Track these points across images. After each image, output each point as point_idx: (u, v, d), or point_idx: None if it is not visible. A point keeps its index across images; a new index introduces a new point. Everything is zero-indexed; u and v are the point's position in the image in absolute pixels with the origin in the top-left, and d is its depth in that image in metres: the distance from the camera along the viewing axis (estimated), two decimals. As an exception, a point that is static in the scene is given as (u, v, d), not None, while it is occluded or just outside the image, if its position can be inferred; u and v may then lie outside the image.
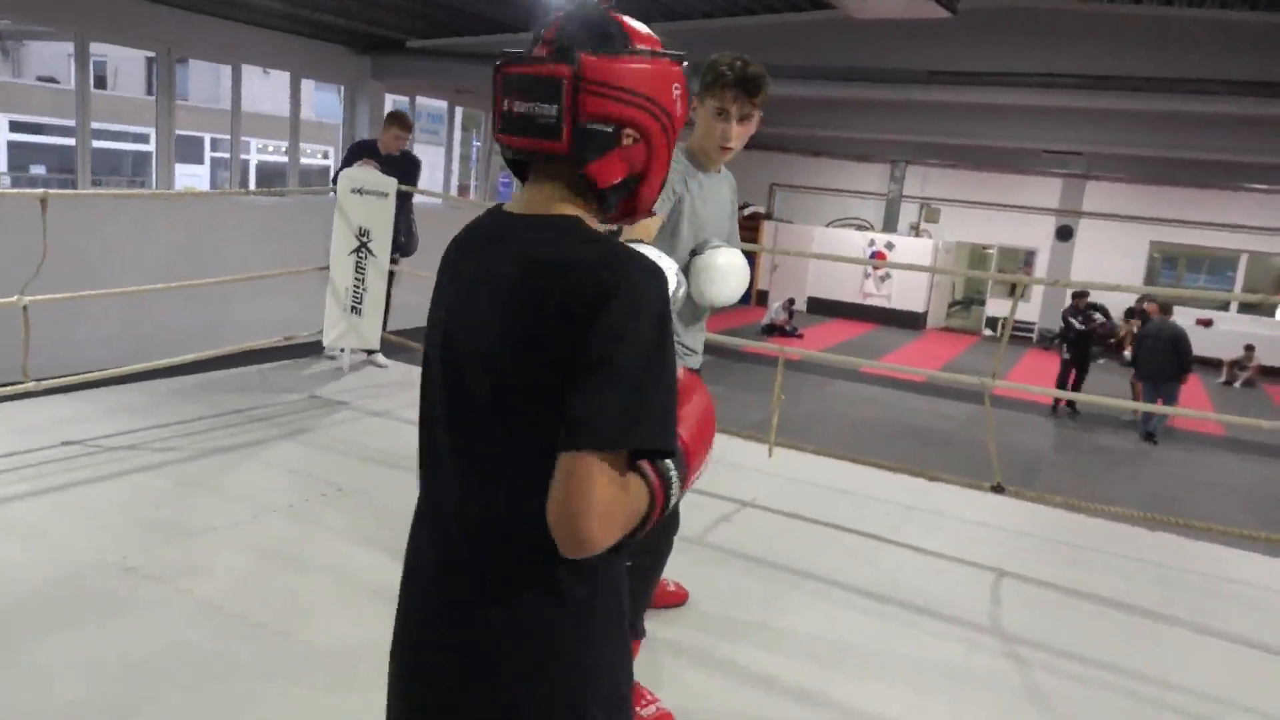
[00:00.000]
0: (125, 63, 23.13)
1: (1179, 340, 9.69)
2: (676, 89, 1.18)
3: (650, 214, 1.29)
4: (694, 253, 2.47)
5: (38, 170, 20.27)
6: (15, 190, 5.17)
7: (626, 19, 1.17)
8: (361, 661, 2.63)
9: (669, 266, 2.11)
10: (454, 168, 12.80)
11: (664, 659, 2.77)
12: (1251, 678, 3.06)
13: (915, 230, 18.21)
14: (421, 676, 1.20)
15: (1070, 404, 10.75)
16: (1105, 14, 7.77)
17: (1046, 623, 3.30)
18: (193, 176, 21.58)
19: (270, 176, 22.29)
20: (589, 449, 1.04)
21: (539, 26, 1.16)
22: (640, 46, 1.15)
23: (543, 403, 1.07)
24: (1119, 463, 9.16)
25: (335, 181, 5.99)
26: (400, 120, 6.22)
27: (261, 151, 23.66)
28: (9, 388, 4.16)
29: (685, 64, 1.20)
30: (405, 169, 6.08)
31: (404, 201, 6.06)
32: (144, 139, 19.27)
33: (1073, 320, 11.33)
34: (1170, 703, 2.84)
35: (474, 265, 1.18)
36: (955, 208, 18.01)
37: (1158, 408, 7.71)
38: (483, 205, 5.04)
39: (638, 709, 2.41)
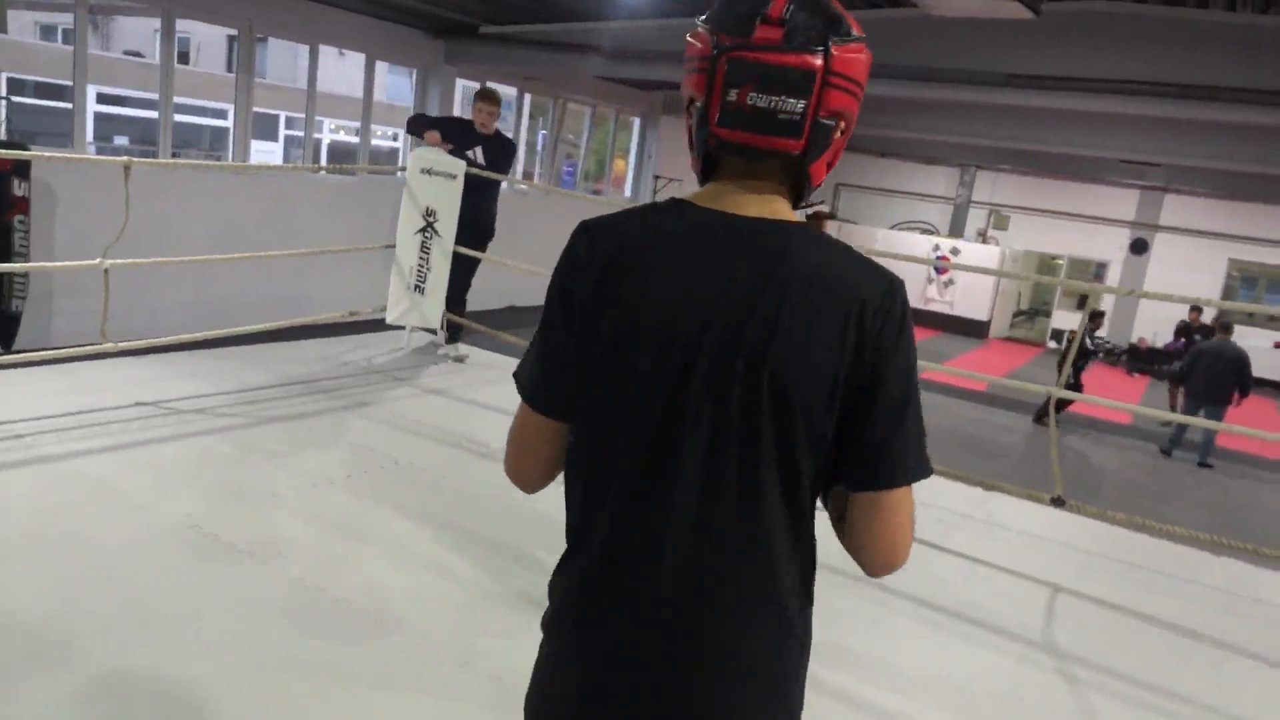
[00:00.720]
0: (207, 41, 23.76)
1: (1244, 362, 9.26)
2: None
3: None
4: None
5: (121, 141, 20.95)
6: (101, 157, 5.36)
7: None
8: (415, 631, 2.68)
9: None
10: (520, 154, 12.90)
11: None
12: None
13: (983, 237, 17.83)
14: None
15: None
16: (1192, 20, 7.48)
17: (1102, 643, 3.22)
18: (267, 153, 22.09)
19: (341, 156, 22.71)
20: (904, 484, 1.05)
21: (749, 3, 1.02)
22: (858, 33, 1.05)
23: (810, 419, 1.01)
24: (1183, 484, 8.87)
25: (408, 127, 5.98)
26: (488, 95, 5.88)
27: (333, 132, 24.11)
28: (87, 347, 4.31)
29: None
30: (499, 150, 5.87)
31: (493, 187, 5.95)
32: (222, 115, 19.78)
33: (1086, 340, 10.56)
34: (1231, 732, 2.75)
35: (688, 269, 1.04)
36: (1025, 215, 17.58)
37: (1202, 422, 7.56)
38: (548, 190, 5.07)
39: None
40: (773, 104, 1.00)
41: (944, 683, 2.82)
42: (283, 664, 2.46)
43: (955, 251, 16.84)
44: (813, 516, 1.09)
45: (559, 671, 1.13)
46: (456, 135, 5.73)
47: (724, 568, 1.04)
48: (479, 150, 5.77)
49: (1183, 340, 13.45)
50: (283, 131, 23.71)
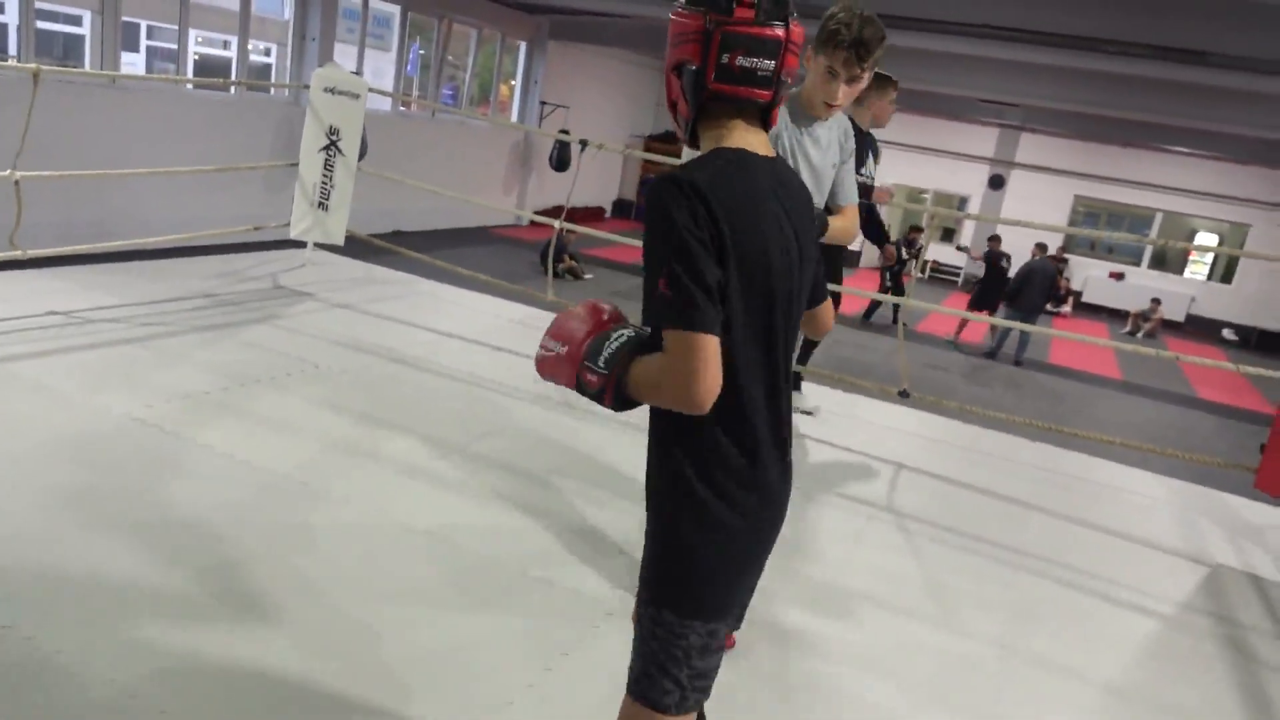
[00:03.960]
0: (52, -62, 21.88)
1: (1055, 277, 11.81)
2: None
3: None
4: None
5: (-40, 47, 19.25)
6: (11, 65, 5.22)
7: None
8: (356, 500, 3.04)
9: None
10: (402, 74, 12.70)
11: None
12: (1089, 549, 3.69)
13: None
14: (777, 520, 1.54)
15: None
16: (1046, -29, 8.17)
17: (933, 504, 3.88)
18: (128, 65, 20.74)
19: (209, 71, 21.57)
20: None
21: None
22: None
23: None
24: (1007, 384, 9.95)
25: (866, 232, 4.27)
26: (894, 82, 4.15)
27: (200, 44, 22.81)
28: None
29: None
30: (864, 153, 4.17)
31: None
32: (75, 20, 18.43)
33: (903, 249, 12.83)
34: (1020, 564, 3.45)
35: (778, 208, 1.41)
36: (893, 150, 18.52)
37: (1041, 330, 8.49)
38: (432, 108, 5.27)
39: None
40: (754, 64, 1.37)
41: (803, 533, 3.39)
42: (237, 526, 2.79)
43: (830, 183, 17.64)
44: None
45: (751, 507, 1.46)
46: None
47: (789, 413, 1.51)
48: (871, 157, 4.27)
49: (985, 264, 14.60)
50: (144, 42, 22.28)
